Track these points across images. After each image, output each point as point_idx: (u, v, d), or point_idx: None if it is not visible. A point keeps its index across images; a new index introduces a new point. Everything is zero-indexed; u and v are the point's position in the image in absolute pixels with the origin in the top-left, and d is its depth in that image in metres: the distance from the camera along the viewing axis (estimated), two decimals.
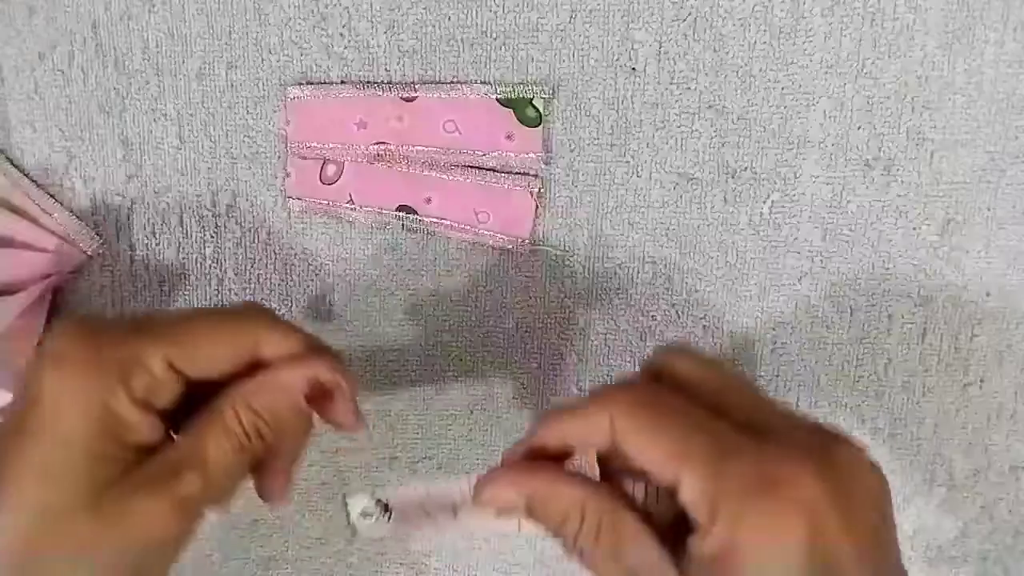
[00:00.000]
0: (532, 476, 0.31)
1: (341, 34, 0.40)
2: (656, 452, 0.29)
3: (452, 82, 0.41)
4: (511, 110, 0.41)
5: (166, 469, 0.30)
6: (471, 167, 0.42)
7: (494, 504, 0.31)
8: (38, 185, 0.42)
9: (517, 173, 0.42)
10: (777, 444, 0.29)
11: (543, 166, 0.42)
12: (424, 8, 0.40)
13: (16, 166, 0.42)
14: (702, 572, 0.29)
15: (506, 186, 0.42)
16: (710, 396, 0.31)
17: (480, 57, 0.41)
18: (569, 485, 0.30)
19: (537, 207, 0.42)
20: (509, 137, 0.41)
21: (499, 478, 0.31)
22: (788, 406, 0.33)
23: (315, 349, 0.33)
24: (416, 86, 0.41)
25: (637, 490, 0.31)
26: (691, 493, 0.29)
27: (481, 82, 0.41)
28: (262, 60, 0.41)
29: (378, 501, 0.34)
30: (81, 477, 0.29)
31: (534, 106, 0.41)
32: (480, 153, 0.42)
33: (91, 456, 0.30)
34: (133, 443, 0.31)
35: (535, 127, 0.41)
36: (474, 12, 0.40)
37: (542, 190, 0.42)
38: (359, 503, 0.34)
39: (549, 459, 0.31)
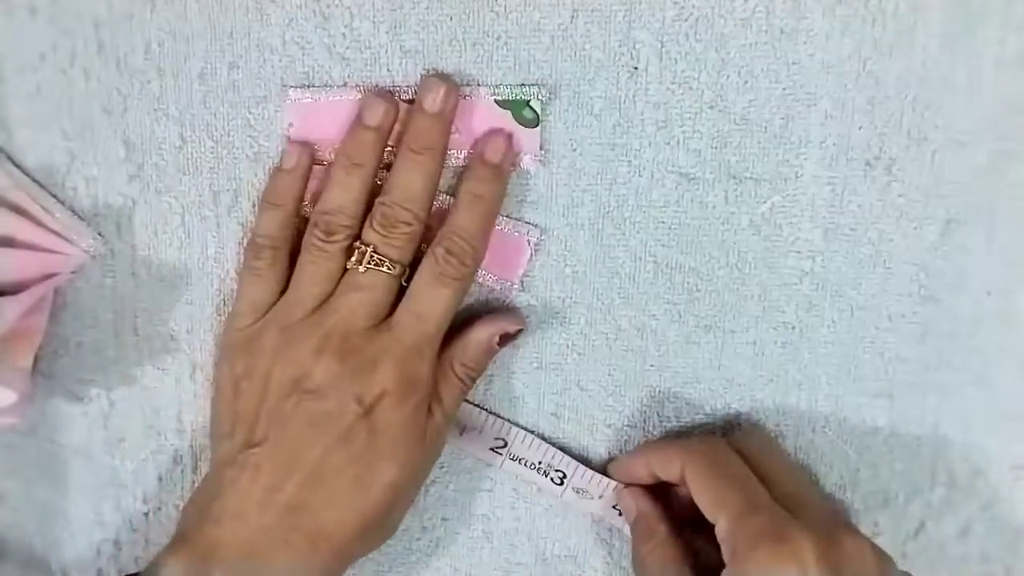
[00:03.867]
0: (642, 498, 0.43)
1: (343, 34, 0.40)
2: (705, 496, 0.40)
3: None
4: (508, 111, 0.41)
5: None
6: None
7: (622, 504, 0.44)
8: (40, 185, 0.42)
9: (517, 220, 0.42)
10: (795, 514, 0.38)
11: (540, 166, 0.42)
12: (426, 8, 0.40)
13: (18, 166, 0.42)
14: None
15: (505, 229, 0.42)
16: (763, 467, 0.41)
17: (482, 57, 0.41)
18: (655, 520, 0.42)
19: (531, 256, 0.42)
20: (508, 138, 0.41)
21: (626, 493, 0.44)
22: (822, 490, 0.44)
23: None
24: (416, 88, 0.41)
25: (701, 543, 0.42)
26: (722, 533, 0.38)
27: (481, 83, 0.41)
28: (264, 60, 0.41)
29: None
30: None
31: (532, 107, 0.41)
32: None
33: None
34: None
35: (533, 128, 0.41)
36: (476, 12, 0.40)
37: (541, 239, 0.42)
38: None
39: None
